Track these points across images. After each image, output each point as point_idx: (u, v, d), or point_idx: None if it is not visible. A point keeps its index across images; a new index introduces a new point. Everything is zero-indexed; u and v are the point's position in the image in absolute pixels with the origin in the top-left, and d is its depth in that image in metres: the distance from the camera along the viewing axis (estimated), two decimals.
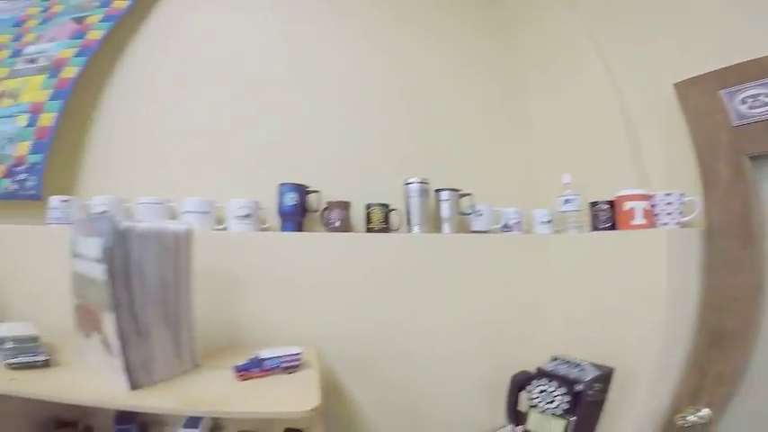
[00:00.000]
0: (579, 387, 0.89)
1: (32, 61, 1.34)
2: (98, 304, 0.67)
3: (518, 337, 1.28)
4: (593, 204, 1.22)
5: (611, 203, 1.17)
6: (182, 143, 1.25)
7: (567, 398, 0.90)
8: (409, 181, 1.29)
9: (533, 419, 0.96)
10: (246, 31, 1.41)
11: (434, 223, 1.30)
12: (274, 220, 1.20)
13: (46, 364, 0.73)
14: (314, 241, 1.14)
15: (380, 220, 1.22)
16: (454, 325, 1.23)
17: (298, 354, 0.83)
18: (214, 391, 0.70)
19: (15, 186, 1.13)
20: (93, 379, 0.69)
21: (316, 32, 1.46)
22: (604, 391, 0.94)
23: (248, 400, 0.66)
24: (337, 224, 1.19)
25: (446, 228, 1.29)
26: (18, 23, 1.46)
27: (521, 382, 1.04)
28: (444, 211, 1.29)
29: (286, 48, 1.42)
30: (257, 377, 0.78)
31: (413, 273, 1.19)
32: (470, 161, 1.53)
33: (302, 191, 1.20)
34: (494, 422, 1.19)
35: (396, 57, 1.53)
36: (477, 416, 1.23)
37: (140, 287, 0.67)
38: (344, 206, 1.21)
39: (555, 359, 0.98)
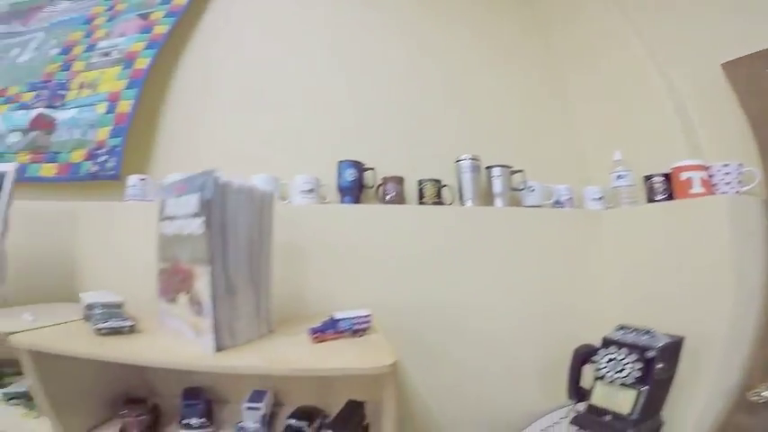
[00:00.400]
0: (651, 354, 0.84)
1: (106, 55, 1.45)
2: (191, 261, 0.70)
3: (572, 314, 1.26)
4: (648, 178, 1.20)
5: (667, 176, 1.15)
6: (246, 125, 1.33)
7: (639, 365, 0.85)
8: (461, 158, 1.31)
9: (599, 392, 0.90)
10: (301, 18, 1.47)
11: (486, 199, 1.31)
12: (334, 196, 1.25)
13: (131, 330, 0.77)
14: (372, 213, 1.18)
15: (433, 195, 1.24)
16: (506, 300, 1.22)
17: (368, 316, 0.85)
18: (293, 352, 0.72)
19: (97, 168, 1.24)
20: (176, 343, 0.72)
21: (371, 23, 1.51)
22: (675, 360, 0.89)
23: (327, 360, 0.68)
24: (392, 195, 1.22)
25: (498, 203, 1.30)
26: (87, 21, 1.59)
27: (584, 355, 0.99)
28: (496, 186, 1.30)
29: (342, 35, 1.48)
30: (330, 339, 0.80)
31: (466, 245, 1.20)
32: (519, 141, 1.52)
33: (360, 167, 1.25)
34: (547, 404, 1.16)
35: (445, 40, 1.55)
36: (529, 397, 1.19)
37: (233, 243, 0.70)
38: (399, 181, 1.24)
39: (622, 328, 0.94)
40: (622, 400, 0.86)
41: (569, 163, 1.55)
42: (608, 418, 0.86)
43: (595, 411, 0.89)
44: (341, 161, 1.25)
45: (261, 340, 0.79)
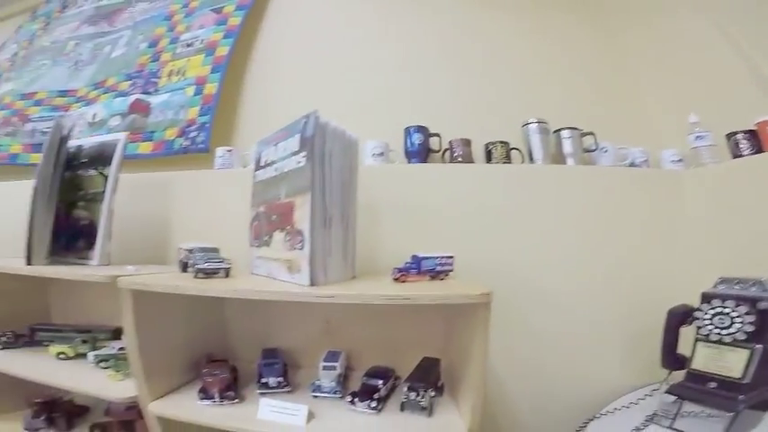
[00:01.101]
0: (765, 304, 0.72)
1: (189, 45, 1.60)
2: (291, 194, 0.76)
3: (656, 277, 1.18)
4: (731, 135, 1.14)
5: (751, 132, 1.09)
6: (316, 97, 1.41)
7: (750, 318, 0.72)
8: (528, 121, 1.30)
9: (702, 355, 0.78)
10: None
11: (557, 161, 1.29)
12: (401, 162, 1.29)
13: (227, 274, 0.83)
14: (443, 172, 1.20)
15: (502, 157, 1.24)
16: (585, 262, 1.16)
17: (451, 257, 0.85)
18: (382, 288, 0.73)
19: (188, 143, 1.37)
20: (271, 282, 0.79)
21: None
22: None
23: (418, 293, 0.69)
24: (460, 156, 1.24)
25: (570, 163, 1.27)
26: (167, 18, 1.76)
27: (681, 316, 0.86)
28: (567, 147, 1.28)
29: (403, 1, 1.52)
30: (413, 281, 0.80)
31: (537, 205, 1.17)
32: (586, 106, 1.47)
33: (426, 132, 1.28)
34: (627, 379, 1.07)
35: (508, 2, 1.56)
36: (613, 370, 1.11)
37: (329, 177, 0.75)
38: (466, 143, 1.26)
39: (723, 281, 0.82)
40: (731, 362, 0.73)
41: (639, 128, 1.49)
42: (713, 385, 0.74)
43: (697, 378, 0.77)
44: (407, 127, 1.28)
45: (347, 281, 0.83)
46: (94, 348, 1.04)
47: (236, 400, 0.83)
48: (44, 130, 1.67)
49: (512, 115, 1.37)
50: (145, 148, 1.40)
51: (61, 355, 1.05)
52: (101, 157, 1.09)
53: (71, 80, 1.78)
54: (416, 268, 0.81)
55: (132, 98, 1.50)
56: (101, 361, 0.98)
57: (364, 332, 1.03)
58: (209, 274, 0.81)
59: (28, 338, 1.16)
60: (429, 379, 0.81)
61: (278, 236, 0.80)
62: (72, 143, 1.12)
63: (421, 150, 1.26)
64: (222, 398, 0.82)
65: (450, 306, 0.84)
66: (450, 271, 0.86)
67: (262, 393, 0.86)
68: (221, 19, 1.64)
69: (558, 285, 1.14)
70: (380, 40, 1.50)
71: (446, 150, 1.28)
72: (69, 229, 1.07)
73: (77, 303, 1.29)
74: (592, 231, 1.18)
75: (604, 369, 1.12)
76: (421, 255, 0.82)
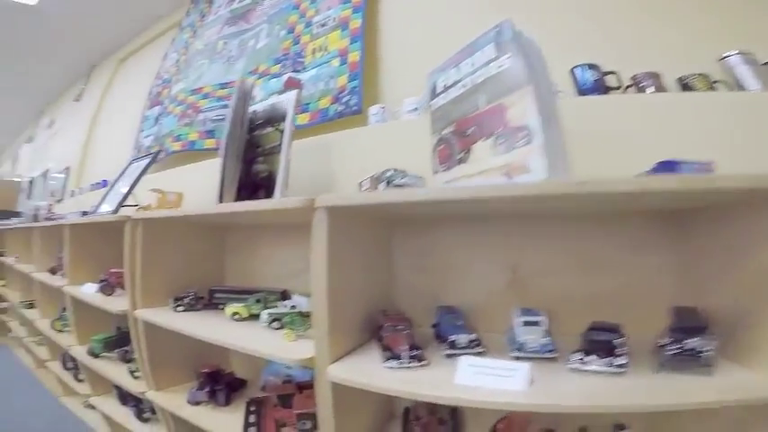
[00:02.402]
0: None
1: (323, 25, 1.67)
2: (497, 98, 0.72)
3: None
4: None
5: None
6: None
7: None
8: (725, 55, 1.08)
9: None
10: None
11: None
12: None
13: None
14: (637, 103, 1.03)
15: (706, 90, 1.04)
16: None
17: (711, 163, 0.67)
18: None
19: (342, 107, 1.41)
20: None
21: None
22: None
23: None
24: (652, 87, 1.07)
25: None
26: (296, 7, 1.86)
27: None
28: None
29: None
30: None
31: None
32: None
33: (598, 69, 1.14)
34: None
35: None
36: None
37: (536, 80, 0.68)
38: (655, 76, 1.08)
39: None
40: None
41: None
42: None
43: None
44: (575, 66, 1.15)
45: None
46: (266, 308, 1.04)
47: (426, 362, 0.71)
48: (214, 117, 1.90)
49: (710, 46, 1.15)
50: (302, 119, 1.48)
51: (236, 316, 1.07)
52: (274, 116, 1.15)
53: (228, 73, 1.99)
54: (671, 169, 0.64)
55: (285, 77, 1.60)
56: (274, 320, 0.96)
57: (562, 283, 0.87)
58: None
59: (207, 301, 1.24)
60: (700, 330, 0.62)
61: (481, 145, 0.74)
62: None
63: (598, 87, 1.12)
64: (412, 358, 0.71)
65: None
66: None
67: (449, 355, 0.74)
68: None
69: None
70: None
71: (629, 86, 1.12)
72: (250, 184, 1.14)
73: (248, 267, 1.38)
74: None
75: None
76: (672, 159, 0.66)
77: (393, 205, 0.71)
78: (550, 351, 0.69)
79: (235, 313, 1.06)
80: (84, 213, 1.77)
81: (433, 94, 0.91)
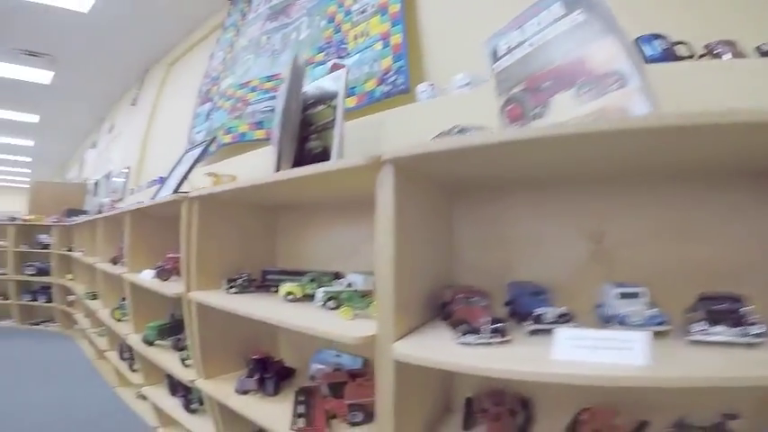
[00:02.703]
0: None
1: (363, 12, 1.66)
2: (574, 53, 0.72)
3: None
4: None
5: None
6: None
7: None
8: None
9: None
10: None
11: None
12: None
13: None
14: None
15: None
16: None
17: None
18: None
19: (389, 87, 1.39)
20: None
21: None
22: None
23: None
24: (730, 54, 0.94)
25: None
26: None
27: None
28: None
29: None
30: None
31: None
32: None
33: (666, 38, 1.03)
34: None
35: None
36: None
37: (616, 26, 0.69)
38: (731, 43, 0.96)
39: None
40: None
41: None
42: None
43: None
44: (639, 37, 1.05)
45: None
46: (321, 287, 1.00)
47: (509, 338, 0.64)
48: (262, 109, 1.94)
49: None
50: (349, 102, 1.47)
51: (290, 296, 1.04)
52: (324, 96, 1.14)
53: (273, 66, 2.03)
54: None
55: (330, 63, 1.60)
56: (329, 299, 0.91)
57: (654, 253, 0.76)
58: None
59: (259, 282, 1.23)
60: None
61: (561, 98, 0.73)
62: None
63: (667, 56, 1.01)
64: (494, 332, 0.62)
65: None
66: None
67: (534, 331, 0.67)
68: None
69: None
70: None
71: (703, 55, 1.00)
72: (304, 160, 1.12)
73: (300, 249, 1.37)
74: None
75: None
76: None
77: (471, 151, 0.61)
78: (661, 323, 0.61)
79: (289, 293, 1.03)
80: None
81: (495, 58, 0.89)
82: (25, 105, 4.61)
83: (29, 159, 7.31)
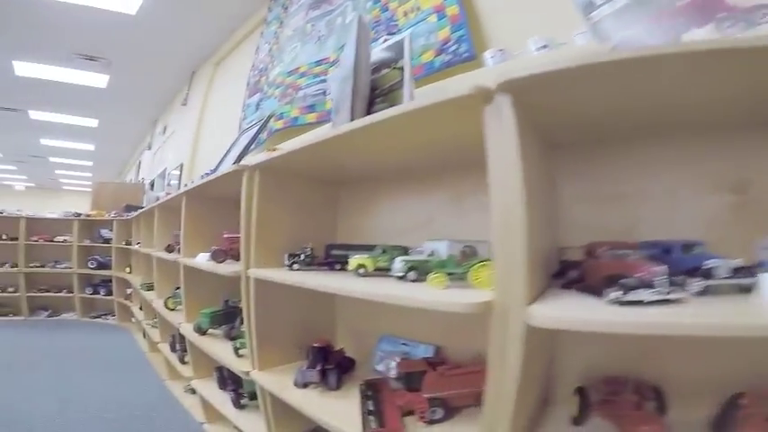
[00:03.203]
0: None
1: None
2: None
3: None
4: None
5: None
6: None
7: None
8: None
9: None
10: None
11: None
12: None
13: None
14: None
15: None
16: None
17: None
18: None
19: (450, 56, 1.29)
20: None
21: None
22: None
23: None
24: None
25: None
26: None
27: None
28: None
29: None
30: None
31: None
32: None
33: None
34: None
35: None
36: None
37: None
38: None
39: None
40: None
41: None
42: None
43: None
44: None
45: None
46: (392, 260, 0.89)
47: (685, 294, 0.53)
48: (313, 93, 1.91)
49: None
50: None
51: (361, 270, 0.93)
52: (388, 60, 1.08)
53: (320, 51, 1.99)
54: None
55: (382, 39, 1.53)
56: (410, 269, 0.82)
57: None
58: None
59: (323, 259, 1.16)
60: None
61: (696, 34, 0.62)
62: None
63: None
64: (673, 285, 0.51)
65: None
66: None
67: (704, 290, 0.56)
68: None
69: None
70: None
71: None
72: None
73: (362, 224, 1.31)
74: None
75: None
76: None
77: (618, 66, 0.52)
78: None
79: (360, 266, 0.92)
80: None
81: (592, 7, 0.77)
82: (85, 110, 4.87)
83: (90, 163, 7.81)
